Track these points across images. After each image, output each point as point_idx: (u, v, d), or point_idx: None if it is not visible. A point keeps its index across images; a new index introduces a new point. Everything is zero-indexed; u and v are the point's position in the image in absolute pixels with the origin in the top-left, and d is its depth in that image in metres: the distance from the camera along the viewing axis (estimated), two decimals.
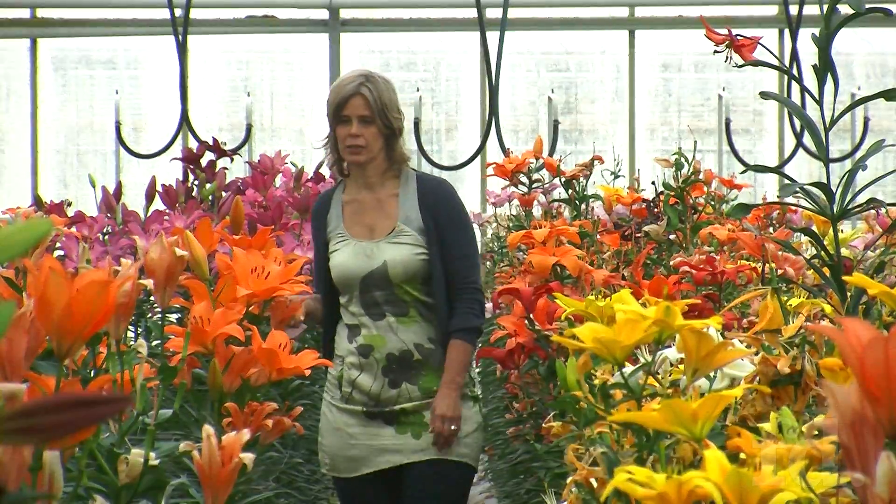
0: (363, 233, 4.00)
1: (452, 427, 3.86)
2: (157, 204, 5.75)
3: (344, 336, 3.96)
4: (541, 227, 4.20)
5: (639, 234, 4.66)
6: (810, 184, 2.99)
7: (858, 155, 2.98)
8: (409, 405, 3.91)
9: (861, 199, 3.03)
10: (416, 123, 8.30)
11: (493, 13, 8.96)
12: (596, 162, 5.31)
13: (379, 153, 3.98)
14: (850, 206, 2.94)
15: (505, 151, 5.85)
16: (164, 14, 8.40)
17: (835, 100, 2.91)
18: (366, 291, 3.93)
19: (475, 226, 6.52)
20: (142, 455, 1.99)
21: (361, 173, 4.00)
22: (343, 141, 3.95)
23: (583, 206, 5.28)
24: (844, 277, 2.43)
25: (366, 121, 3.94)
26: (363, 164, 3.97)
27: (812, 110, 3.01)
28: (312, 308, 3.90)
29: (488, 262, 7.78)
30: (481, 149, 7.88)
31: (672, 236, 4.67)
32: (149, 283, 2.31)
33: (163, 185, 5.78)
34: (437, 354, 3.94)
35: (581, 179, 5.27)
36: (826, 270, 2.87)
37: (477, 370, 5.45)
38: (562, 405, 2.11)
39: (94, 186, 5.99)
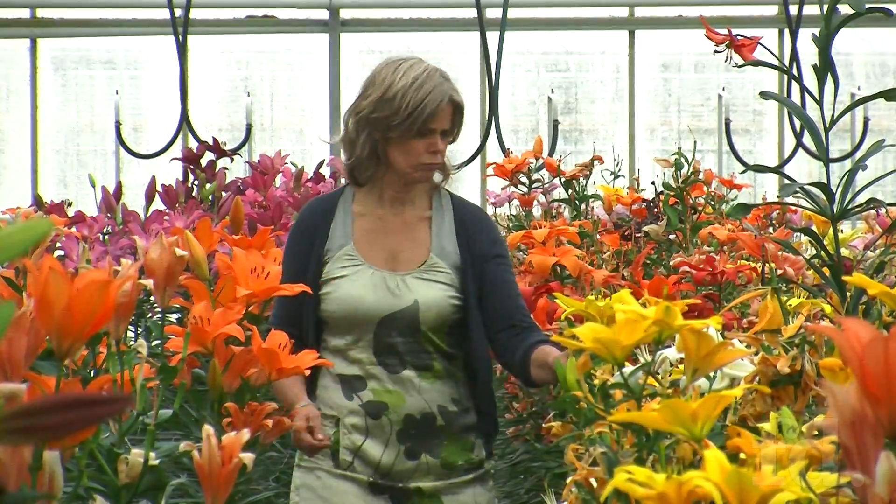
0: (382, 260, 3.26)
1: None
2: (157, 204, 5.75)
3: (336, 390, 3.24)
4: (541, 227, 4.19)
5: (639, 234, 4.65)
6: (810, 184, 2.99)
7: (858, 155, 2.97)
8: (427, 484, 3.22)
9: (861, 199, 3.03)
10: None
11: (493, 13, 8.95)
12: (596, 162, 5.32)
13: None
14: (850, 206, 2.94)
15: (505, 151, 5.85)
16: (164, 14, 8.39)
17: (835, 100, 2.91)
18: (383, 336, 3.21)
19: None
20: (142, 455, 1.99)
21: (398, 188, 3.29)
22: (417, 156, 3.21)
23: (583, 206, 5.28)
24: (844, 277, 2.43)
25: (446, 133, 3.26)
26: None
27: (812, 110, 3.01)
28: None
29: None
30: (481, 149, 7.88)
31: (672, 236, 4.68)
32: (149, 283, 2.31)
33: (163, 185, 5.78)
34: (459, 420, 3.26)
35: (581, 179, 5.27)
36: (826, 270, 2.87)
37: None
38: (562, 405, 2.11)
39: (94, 186, 5.98)
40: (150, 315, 5.03)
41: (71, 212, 5.67)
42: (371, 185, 3.30)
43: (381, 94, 3.21)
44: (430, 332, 3.22)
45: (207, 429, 1.98)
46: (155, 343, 3.59)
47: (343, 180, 6.57)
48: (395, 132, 3.20)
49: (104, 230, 5.49)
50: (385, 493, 3.21)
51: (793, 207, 5.61)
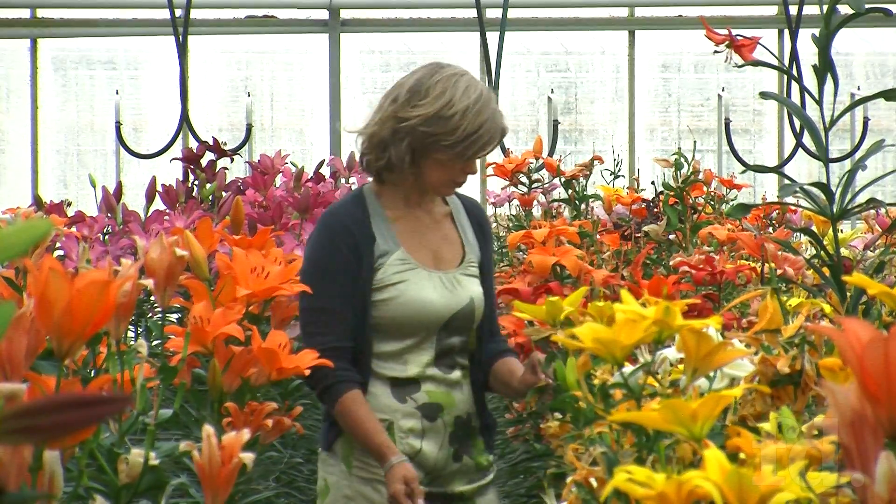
0: (430, 260, 3.21)
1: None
2: (158, 204, 5.75)
3: (385, 394, 3.16)
4: (540, 227, 4.19)
5: (638, 234, 4.65)
6: (810, 184, 2.99)
7: (858, 155, 2.98)
8: (466, 488, 3.21)
9: (861, 199, 3.04)
10: None
11: (493, 13, 8.96)
12: (596, 162, 5.32)
13: None
14: (849, 206, 2.94)
15: (505, 151, 5.85)
16: (164, 14, 8.40)
17: (835, 100, 2.91)
18: (445, 336, 3.17)
19: None
20: (142, 455, 1.99)
21: (422, 190, 3.23)
22: (452, 175, 3.17)
23: (583, 206, 5.28)
24: (844, 277, 2.43)
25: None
26: None
27: (812, 110, 3.01)
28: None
29: None
30: None
31: (672, 236, 4.67)
32: (149, 283, 2.31)
33: (163, 185, 5.78)
34: (481, 420, 3.26)
35: (581, 179, 5.27)
36: (826, 270, 2.87)
37: None
38: (562, 405, 2.11)
39: (94, 186, 5.98)
40: (150, 315, 5.03)
41: (71, 212, 5.66)
42: (393, 186, 3.21)
43: (437, 111, 3.11)
44: (474, 330, 3.23)
45: (207, 429, 1.98)
46: (155, 343, 3.60)
47: (348, 181, 6.57)
48: (442, 154, 3.12)
49: (104, 230, 5.48)
50: (436, 501, 3.17)
51: (793, 207, 5.62)
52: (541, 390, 3.02)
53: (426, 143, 3.11)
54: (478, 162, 3.30)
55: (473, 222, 3.30)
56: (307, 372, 2.88)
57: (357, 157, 3.28)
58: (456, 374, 3.19)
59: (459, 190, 3.33)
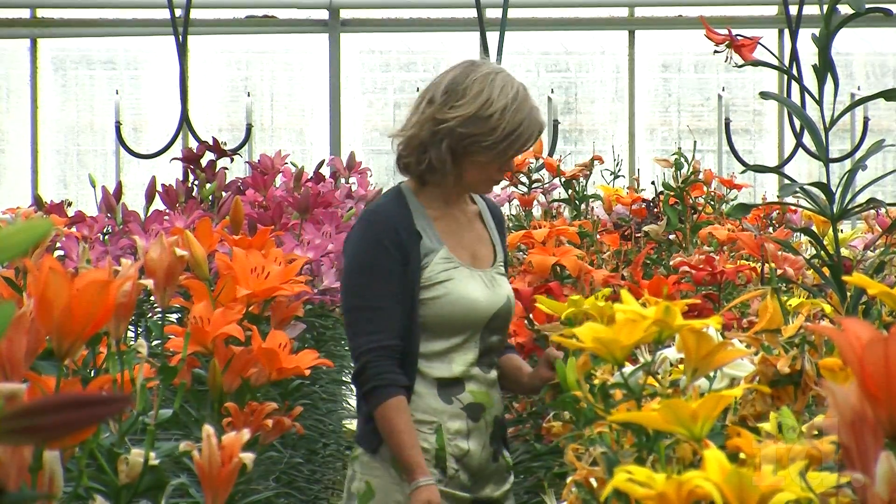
0: (468, 259, 3.18)
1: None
2: (157, 204, 5.75)
3: (432, 395, 3.11)
4: (541, 227, 4.19)
5: (639, 234, 4.65)
6: (810, 184, 2.99)
7: (858, 155, 2.98)
8: (498, 491, 3.20)
9: (861, 199, 3.04)
10: None
11: (493, 13, 8.96)
12: (596, 162, 5.32)
13: None
14: (849, 206, 2.94)
15: None
16: (164, 14, 8.39)
17: (835, 100, 2.91)
18: (487, 335, 3.15)
19: None
20: (142, 455, 1.99)
21: (460, 188, 3.20)
22: (491, 174, 3.14)
23: (583, 206, 5.28)
24: (844, 277, 2.43)
25: None
26: None
27: (812, 110, 3.01)
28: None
29: None
30: None
31: (672, 236, 4.68)
32: (149, 283, 2.31)
33: (163, 185, 5.78)
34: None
35: (581, 179, 5.27)
36: (826, 270, 2.87)
37: None
38: (562, 405, 2.11)
39: (94, 186, 5.98)
40: (150, 315, 5.03)
41: (71, 212, 5.66)
42: (433, 186, 3.17)
43: (475, 112, 3.07)
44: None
45: (207, 429, 1.98)
46: (155, 343, 3.59)
47: (348, 181, 6.56)
48: (482, 155, 3.10)
49: (104, 230, 5.48)
50: None
51: (793, 207, 5.61)
52: (556, 386, 3.03)
53: (465, 143, 3.08)
54: None
55: (496, 221, 3.29)
56: (307, 372, 2.88)
57: (395, 160, 3.21)
58: (494, 373, 3.16)
59: None
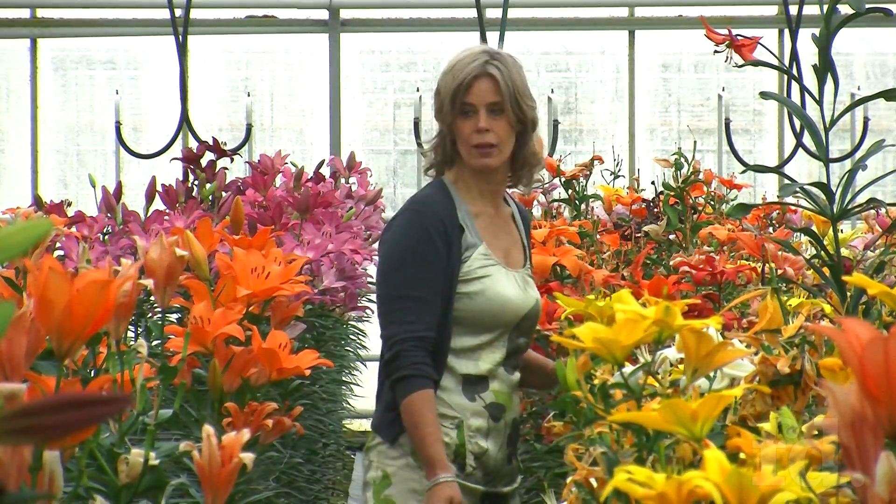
0: (503, 258, 3.18)
1: None
2: (157, 204, 5.75)
3: (457, 391, 3.11)
4: (541, 227, 4.19)
5: (639, 234, 4.65)
6: (810, 184, 2.99)
7: (858, 155, 2.98)
8: (508, 488, 3.19)
9: (861, 199, 3.03)
10: (416, 123, 8.31)
11: (493, 13, 8.96)
12: (596, 162, 5.32)
13: (507, 154, 3.17)
14: (849, 206, 2.94)
15: None
16: (164, 14, 8.39)
17: (835, 100, 2.91)
18: (516, 336, 3.15)
19: None
20: (142, 455, 1.99)
21: (486, 179, 3.19)
22: (468, 139, 3.12)
23: (583, 206, 5.28)
24: (844, 277, 2.43)
25: (495, 110, 3.12)
26: (494, 170, 3.16)
27: (812, 110, 3.01)
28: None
29: None
30: None
31: (672, 236, 4.68)
32: (149, 283, 2.31)
33: (163, 185, 5.78)
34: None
35: (581, 179, 5.27)
36: (826, 270, 2.87)
37: None
38: (562, 405, 2.11)
39: (94, 186, 5.98)
40: (150, 315, 5.03)
41: (71, 212, 5.66)
42: (460, 182, 3.18)
43: (436, 88, 3.19)
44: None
45: (207, 429, 1.98)
46: (155, 343, 3.59)
47: (348, 181, 6.56)
48: (447, 119, 3.14)
49: (104, 230, 5.48)
50: (487, 500, 3.15)
51: (793, 207, 5.61)
52: None
53: (440, 120, 3.17)
54: None
55: (525, 225, 3.31)
56: (307, 372, 2.88)
57: (424, 169, 3.26)
58: (517, 375, 3.17)
59: None
